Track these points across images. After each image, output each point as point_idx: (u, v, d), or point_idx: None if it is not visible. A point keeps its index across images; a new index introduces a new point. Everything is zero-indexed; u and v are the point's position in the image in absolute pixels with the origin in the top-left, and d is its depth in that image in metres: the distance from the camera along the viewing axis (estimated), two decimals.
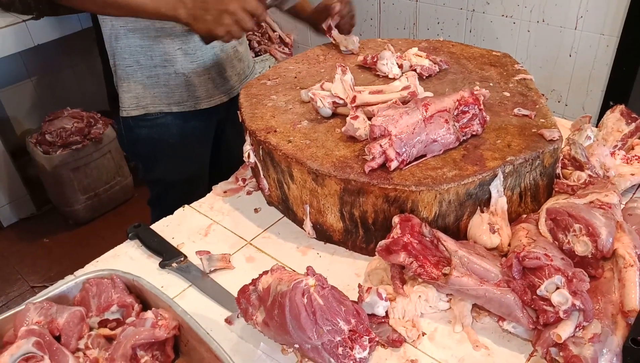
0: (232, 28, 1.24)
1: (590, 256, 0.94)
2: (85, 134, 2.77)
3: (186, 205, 1.29)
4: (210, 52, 1.52)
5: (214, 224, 1.23)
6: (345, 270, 1.08)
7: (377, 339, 0.90)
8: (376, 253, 0.98)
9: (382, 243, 0.97)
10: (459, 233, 1.05)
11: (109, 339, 0.91)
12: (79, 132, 2.75)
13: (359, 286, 0.96)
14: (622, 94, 2.07)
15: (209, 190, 1.34)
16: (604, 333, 0.84)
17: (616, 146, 1.26)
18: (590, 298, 0.86)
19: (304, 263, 1.07)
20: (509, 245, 1.00)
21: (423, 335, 0.93)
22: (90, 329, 0.91)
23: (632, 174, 1.18)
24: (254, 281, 0.90)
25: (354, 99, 1.14)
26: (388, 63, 1.34)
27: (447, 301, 0.97)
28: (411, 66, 1.35)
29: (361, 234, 1.09)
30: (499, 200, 1.03)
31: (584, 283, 0.86)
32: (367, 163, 1.01)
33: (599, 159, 1.17)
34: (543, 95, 1.26)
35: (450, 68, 1.39)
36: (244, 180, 1.35)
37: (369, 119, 1.08)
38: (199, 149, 1.69)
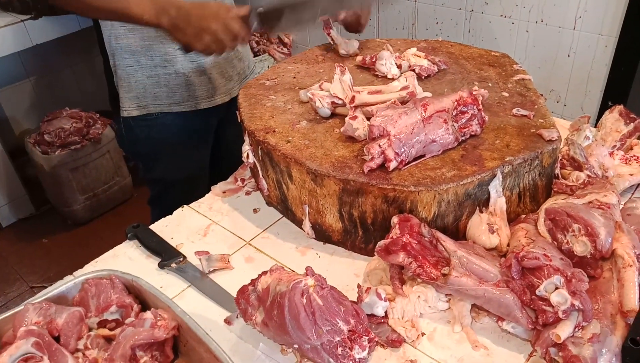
0: (211, 46, 1.24)
1: (589, 256, 0.94)
2: (84, 135, 2.77)
3: (185, 205, 1.29)
4: None
5: (213, 225, 1.23)
6: (345, 270, 1.08)
7: (376, 339, 0.90)
8: (375, 253, 0.98)
9: (381, 243, 0.97)
10: (458, 233, 1.05)
11: (108, 339, 0.91)
12: (77, 132, 2.75)
13: (358, 286, 0.96)
14: (620, 94, 2.07)
15: (210, 190, 1.34)
16: (603, 333, 0.84)
17: (615, 146, 1.26)
18: (590, 298, 0.87)
19: (303, 264, 1.07)
20: (508, 245, 1.00)
21: (422, 335, 0.93)
22: (90, 329, 0.91)
23: (631, 175, 1.18)
24: (253, 282, 0.90)
25: (352, 99, 1.14)
26: (387, 63, 1.35)
27: (446, 302, 0.97)
28: (410, 66, 1.35)
29: (360, 234, 1.09)
30: (498, 200, 1.03)
31: (583, 283, 0.86)
32: (366, 163, 1.01)
33: (598, 159, 1.17)
34: (542, 95, 1.26)
35: (449, 68, 1.39)
36: (243, 180, 1.35)
37: (368, 119, 1.08)
38: (199, 149, 1.69)
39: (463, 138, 1.08)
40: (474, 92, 1.11)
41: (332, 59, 1.48)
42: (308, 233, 1.15)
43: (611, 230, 0.95)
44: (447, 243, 0.96)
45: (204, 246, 1.15)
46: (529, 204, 1.11)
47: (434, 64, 1.36)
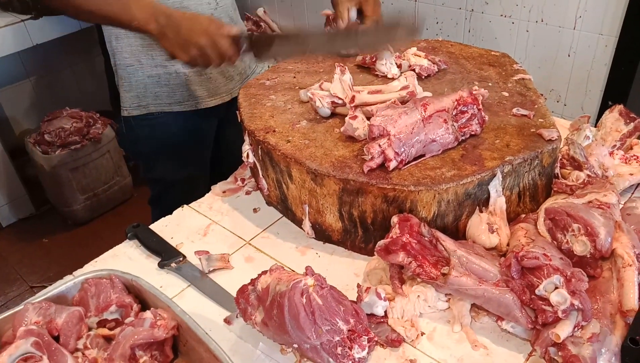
0: (197, 59, 1.23)
1: (588, 256, 0.94)
2: (84, 134, 2.77)
3: (185, 205, 1.29)
4: None
5: (213, 224, 1.23)
6: (344, 270, 1.08)
7: (376, 339, 0.90)
8: (375, 253, 0.98)
9: (381, 242, 0.97)
10: (457, 233, 1.05)
11: (108, 339, 0.91)
12: (77, 132, 2.75)
13: (358, 286, 0.96)
14: (620, 94, 2.06)
15: (210, 190, 1.34)
16: (602, 332, 0.84)
17: (615, 145, 1.26)
18: (589, 297, 0.87)
19: (303, 263, 1.07)
20: (508, 244, 1.00)
21: (422, 335, 0.93)
22: (89, 329, 0.91)
23: (631, 174, 1.18)
24: (253, 281, 0.90)
25: (352, 99, 1.14)
26: (387, 63, 1.35)
27: (446, 301, 0.97)
28: (410, 66, 1.35)
29: (360, 234, 1.09)
30: (498, 200, 1.03)
31: (583, 282, 0.86)
32: (366, 163, 1.01)
33: (598, 159, 1.17)
34: (542, 95, 1.26)
35: (449, 68, 1.39)
36: (242, 180, 1.35)
37: (368, 119, 1.08)
38: (199, 149, 1.69)
39: (463, 138, 1.08)
40: (474, 92, 1.11)
41: (332, 59, 1.48)
42: (308, 233, 1.15)
43: (611, 230, 0.95)
44: (447, 242, 0.96)
45: (204, 246, 1.15)
46: (529, 204, 1.11)
47: (434, 63, 1.36)
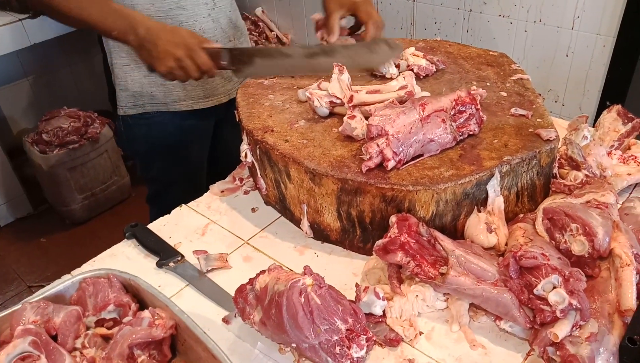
0: (175, 72, 1.24)
1: (587, 255, 0.94)
2: (82, 134, 2.77)
3: (183, 204, 1.29)
4: None
5: (211, 224, 1.23)
6: (343, 270, 1.08)
7: (374, 338, 0.90)
8: (373, 252, 0.99)
9: (379, 242, 0.97)
10: (456, 233, 1.06)
11: (106, 338, 0.90)
12: (75, 131, 2.74)
13: (357, 285, 0.96)
14: (618, 94, 2.07)
15: (208, 189, 1.34)
16: (600, 332, 0.85)
17: (613, 146, 1.26)
18: (587, 297, 0.87)
19: (301, 263, 1.07)
20: (506, 244, 1.01)
21: (420, 335, 0.93)
22: (87, 328, 0.91)
23: (629, 174, 1.18)
24: (251, 281, 0.90)
25: (351, 98, 1.14)
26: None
27: (444, 301, 0.97)
28: (408, 66, 1.35)
29: (358, 233, 1.09)
30: (496, 200, 1.03)
31: (581, 282, 0.86)
32: (364, 163, 1.01)
33: (596, 159, 1.17)
34: (540, 95, 1.26)
35: (447, 68, 1.39)
36: (241, 180, 1.35)
37: (366, 118, 1.08)
38: (197, 148, 1.69)
39: (461, 138, 1.09)
40: (472, 92, 1.11)
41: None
42: (306, 232, 1.15)
43: (609, 230, 0.95)
44: (445, 242, 0.96)
45: (202, 246, 1.15)
46: (527, 204, 1.11)
47: (432, 63, 1.36)
